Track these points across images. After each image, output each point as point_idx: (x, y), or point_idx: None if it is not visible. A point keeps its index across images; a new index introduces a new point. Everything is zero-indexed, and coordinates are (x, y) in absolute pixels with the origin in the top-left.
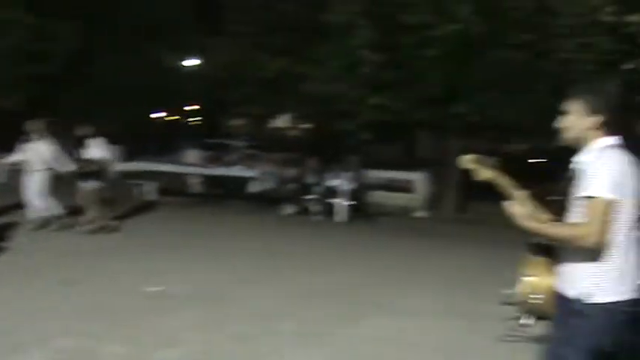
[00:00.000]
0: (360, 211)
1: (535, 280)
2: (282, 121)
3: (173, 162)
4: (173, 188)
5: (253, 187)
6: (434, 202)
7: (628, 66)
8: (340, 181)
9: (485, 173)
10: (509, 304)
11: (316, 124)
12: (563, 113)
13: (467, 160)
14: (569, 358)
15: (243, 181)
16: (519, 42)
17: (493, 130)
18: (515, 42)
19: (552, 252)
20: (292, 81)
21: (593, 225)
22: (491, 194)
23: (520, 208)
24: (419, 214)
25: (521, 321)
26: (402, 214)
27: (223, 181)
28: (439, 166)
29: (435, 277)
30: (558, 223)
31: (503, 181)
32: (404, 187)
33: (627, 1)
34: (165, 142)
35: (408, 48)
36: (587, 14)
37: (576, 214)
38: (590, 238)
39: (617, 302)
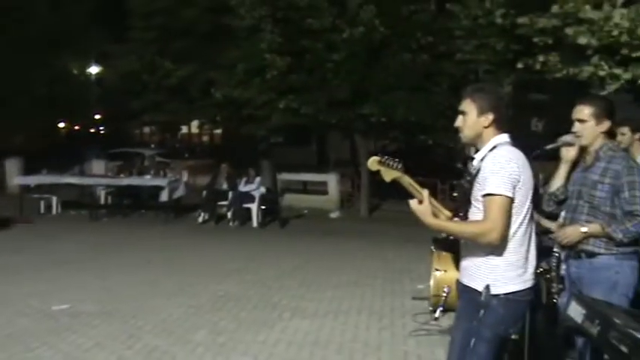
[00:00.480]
0: (275, 215)
1: (444, 275)
2: (192, 128)
3: (79, 173)
4: (80, 201)
5: (164, 196)
6: (348, 202)
7: (521, 65)
8: (253, 186)
9: (391, 174)
10: (421, 298)
11: (227, 129)
12: (459, 113)
13: (373, 162)
14: (478, 348)
15: (153, 191)
16: (421, 44)
17: (399, 130)
18: (417, 44)
19: (456, 247)
20: (200, 86)
21: (494, 222)
22: (404, 193)
23: (423, 206)
24: (333, 215)
25: (435, 315)
26: (317, 215)
27: (133, 191)
28: (353, 167)
29: (348, 277)
30: (461, 220)
31: (408, 181)
32: (318, 189)
33: (517, 4)
34: (71, 153)
35: (315, 52)
36: (483, 17)
37: (477, 211)
38: (492, 235)
39: (519, 292)
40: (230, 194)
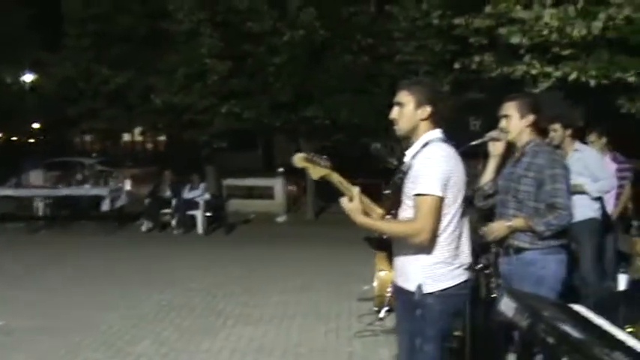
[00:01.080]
0: (220, 221)
1: (387, 275)
2: (135, 135)
3: (15, 185)
4: (16, 213)
5: (106, 206)
6: (294, 206)
7: (458, 65)
8: (198, 192)
9: (318, 171)
10: (367, 299)
11: (170, 135)
12: (395, 105)
13: (299, 159)
14: (425, 348)
15: (94, 200)
16: (362, 46)
17: (343, 132)
18: (357, 46)
19: (390, 246)
20: (139, 93)
21: (423, 223)
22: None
23: (353, 203)
24: (280, 219)
25: (379, 315)
26: (264, 220)
27: (72, 201)
28: (299, 171)
29: (294, 282)
30: (391, 219)
31: (337, 178)
32: (264, 194)
33: (453, 5)
34: (7, 164)
35: (256, 55)
36: (420, 18)
37: (408, 208)
38: (421, 235)
39: (452, 287)
40: (174, 201)
